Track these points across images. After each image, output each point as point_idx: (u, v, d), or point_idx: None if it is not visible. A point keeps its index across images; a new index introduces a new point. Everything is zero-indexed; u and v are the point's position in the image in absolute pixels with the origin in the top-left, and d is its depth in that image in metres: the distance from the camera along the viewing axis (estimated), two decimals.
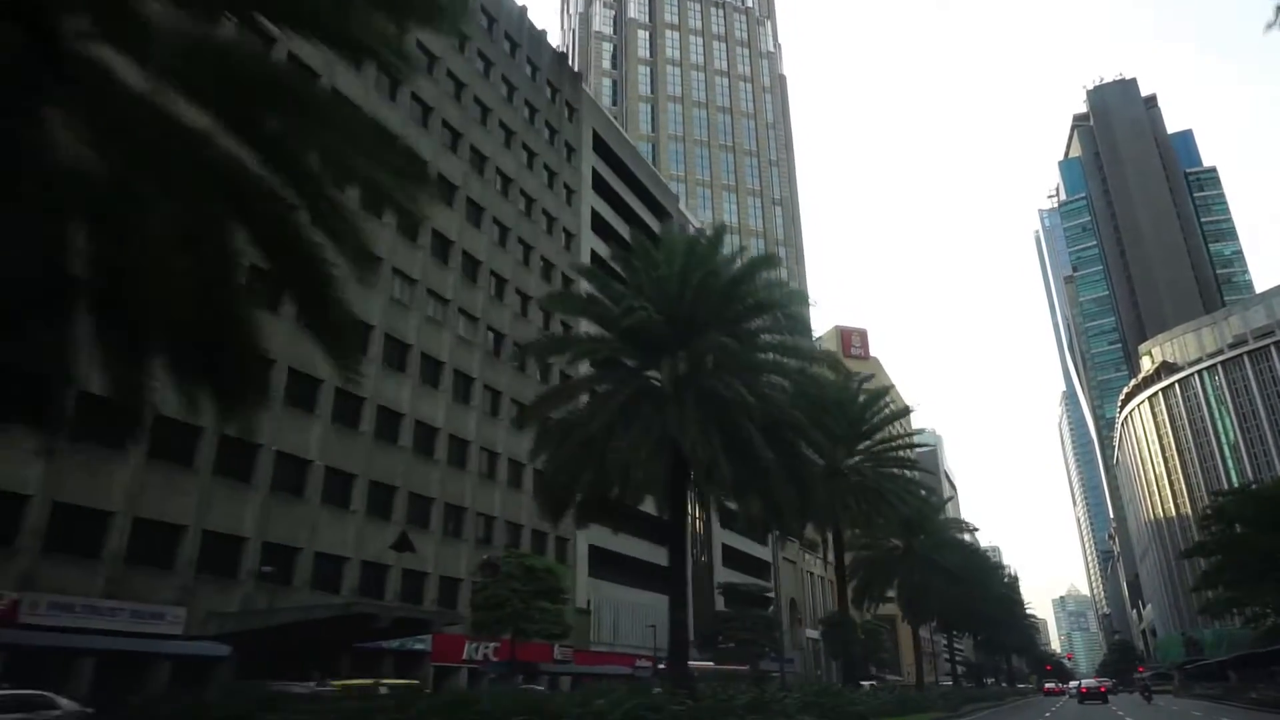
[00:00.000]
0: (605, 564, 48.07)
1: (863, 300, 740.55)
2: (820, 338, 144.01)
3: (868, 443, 39.30)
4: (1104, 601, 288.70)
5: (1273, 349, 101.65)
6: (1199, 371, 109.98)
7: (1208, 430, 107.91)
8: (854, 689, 31.13)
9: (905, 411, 46.99)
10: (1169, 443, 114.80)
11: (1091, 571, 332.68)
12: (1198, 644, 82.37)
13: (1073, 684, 73.27)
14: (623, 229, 58.76)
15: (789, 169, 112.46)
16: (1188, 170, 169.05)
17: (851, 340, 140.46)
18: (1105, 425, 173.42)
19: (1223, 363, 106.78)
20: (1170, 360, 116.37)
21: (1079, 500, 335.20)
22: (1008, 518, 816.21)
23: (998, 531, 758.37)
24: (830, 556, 44.94)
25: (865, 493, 36.64)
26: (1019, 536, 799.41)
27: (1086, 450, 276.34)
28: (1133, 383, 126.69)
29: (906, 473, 44.04)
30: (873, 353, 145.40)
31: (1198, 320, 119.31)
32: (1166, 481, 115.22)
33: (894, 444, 42.40)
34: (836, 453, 35.16)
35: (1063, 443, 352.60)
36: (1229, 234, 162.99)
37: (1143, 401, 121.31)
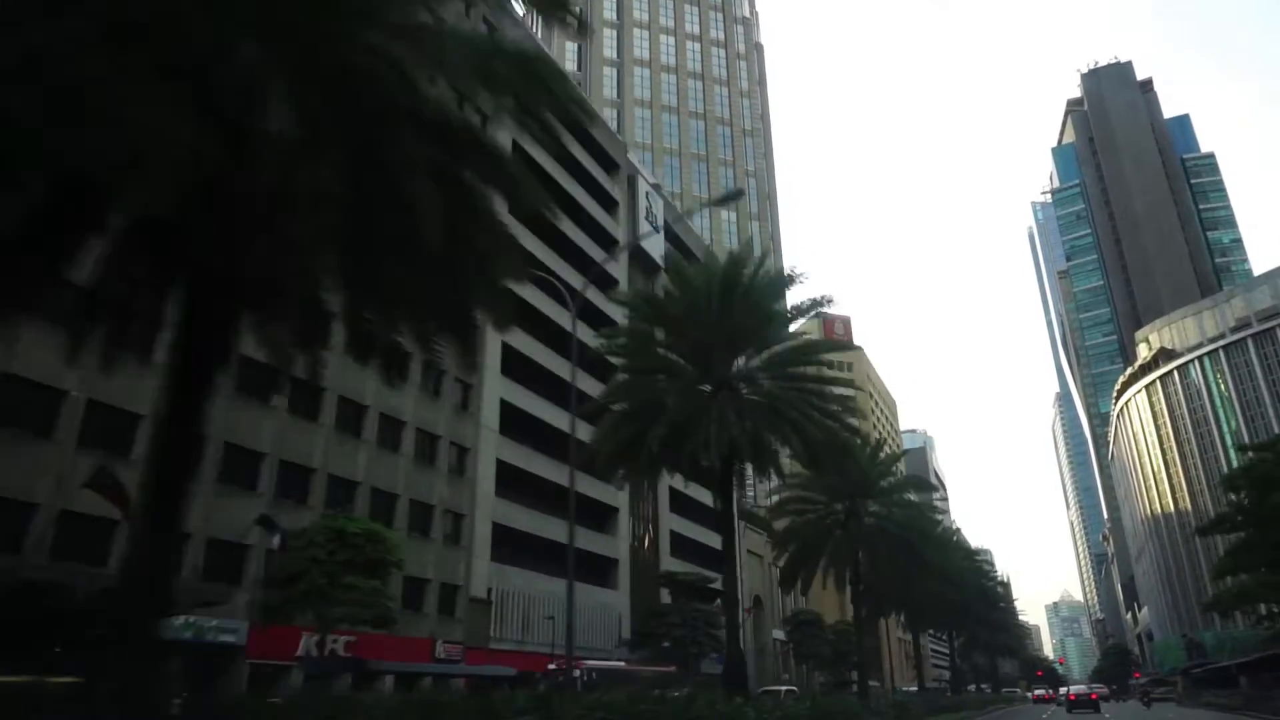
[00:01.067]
0: (515, 548, 41.02)
1: (853, 301, 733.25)
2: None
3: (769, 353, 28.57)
4: (1097, 607, 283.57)
5: (1279, 331, 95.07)
6: (1199, 357, 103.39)
7: (1208, 419, 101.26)
8: (740, 696, 23.96)
9: (820, 302, 32.57)
10: (1167, 433, 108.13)
11: (1085, 577, 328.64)
12: (1201, 647, 75.58)
13: (1063, 690, 66.52)
14: (567, 181, 52.04)
15: (764, 141, 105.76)
16: (1185, 156, 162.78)
17: (834, 327, 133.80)
18: (1099, 422, 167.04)
19: (1225, 347, 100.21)
20: (1169, 346, 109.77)
21: (1072, 504, 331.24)
22: (1001, 525, 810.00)
23: (991, 538, 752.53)
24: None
25: (757, 409, 25.66)
26: (1012, 543, 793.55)
27: (1080, 451, 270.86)
28: (1129, 371, 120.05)
29: (827, 388, 35.54)
30: (857, 341, 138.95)
31: (1197, 304, 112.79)
32: (1164, 475, 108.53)
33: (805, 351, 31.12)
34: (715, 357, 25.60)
35: (1056, 446, 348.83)
36: (1227, 222, 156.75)
37: (1139, 391, 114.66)
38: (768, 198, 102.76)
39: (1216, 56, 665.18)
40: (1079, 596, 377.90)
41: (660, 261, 61.13)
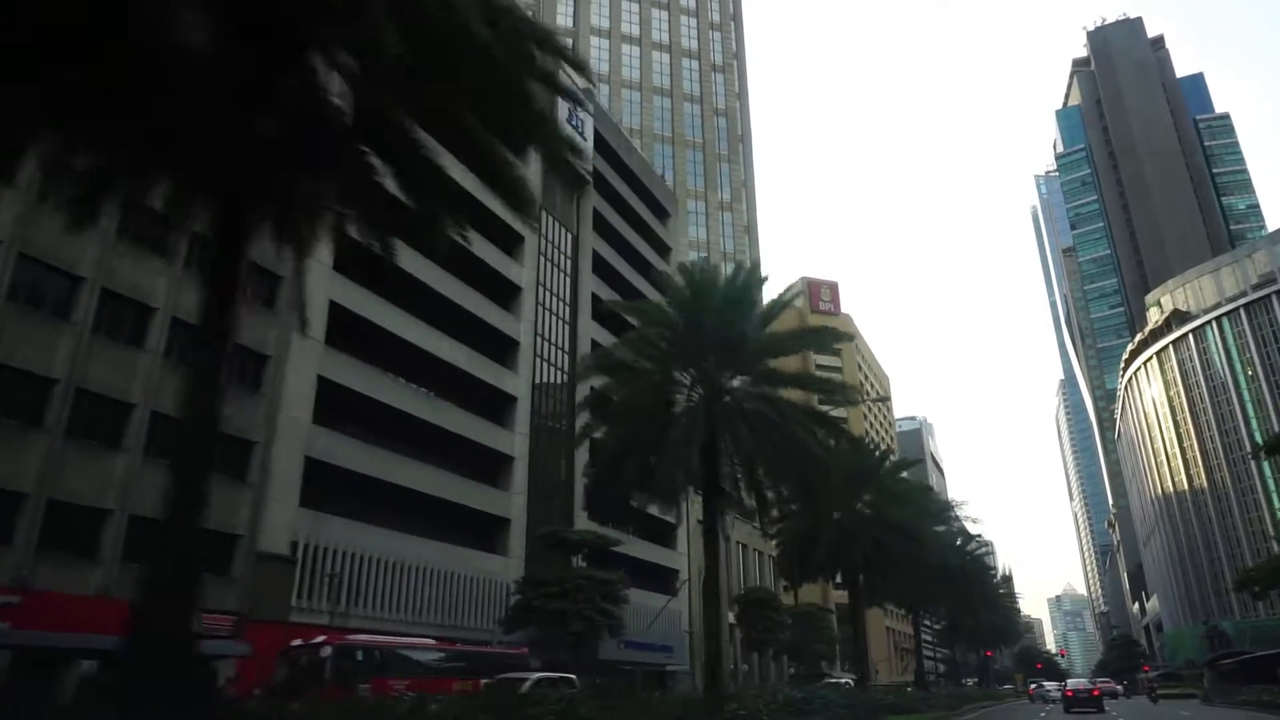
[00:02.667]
0: (350, 493, 31.49)
1: (856, 294, 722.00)
2: (786, 291, 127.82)
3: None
4: (1101, 599, 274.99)
5: None
6: (1217, 318, 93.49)
7: (1226, 386, 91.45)
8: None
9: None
10: (1180, 404, 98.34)
11: (1089, 569, 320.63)
12: (1225, 636, 65.88)
13: (1043, 685, 56.43)
14: None
15: (738, 79, 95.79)
16: (1198, 117, 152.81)
17: (820, 294, 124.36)
18: (1105, 401, 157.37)
19: (1246, 306, 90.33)
20: (1183, 308, 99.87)
21: (1076, 494, 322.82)
22: (1003, 518, 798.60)
23: (993, 531, 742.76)
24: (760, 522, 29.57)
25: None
26: (1015, 537, 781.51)
27: (1084, 436, 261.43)
28: (1138, 338, 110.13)
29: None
30: (847, 312, 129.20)
31: (1214, 260, 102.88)
32: (1177, 449, 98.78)
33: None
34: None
35: (1060, 436, 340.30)
36: (1243, 186, 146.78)
37: (1149, 359, 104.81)
38: (740, 139, 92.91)
39: (1232, 10, 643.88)
40: (1082, 590, 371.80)
41: (588, 176, 51.58)
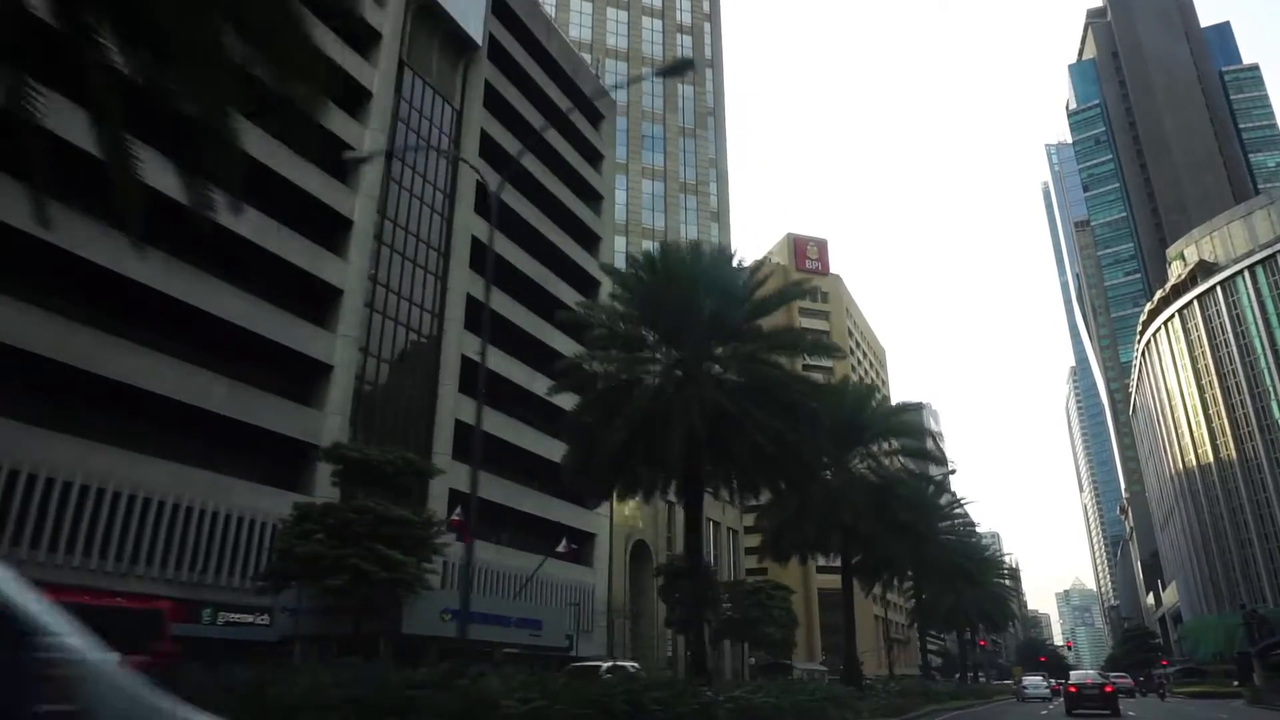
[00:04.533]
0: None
1: (861, 283, 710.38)
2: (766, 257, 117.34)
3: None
4: (1111, 593, 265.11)
5: None
6: (1250, 267, 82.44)
7: (1261, 343, 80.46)
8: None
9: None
10: (1205, 366, 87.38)
11: (1098, 561, 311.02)
12: (1267, 623, 55.01)
13: (1027, 681, 44.96)
14: None
15: (711, 38, 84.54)
16: (1224, 69, 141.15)
17: (806, 251, 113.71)
18: (1118, 377, 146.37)
19: None
20: (1209, 259, 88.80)
21: (1086, 485, 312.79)
22: (1011, 512, 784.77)
23: (1001, 525, 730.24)
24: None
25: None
26: (1023, 531, 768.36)
27: (1096, 423, 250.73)
28: (1158, 295, 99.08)
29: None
30: (834, 269, 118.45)
31: (1246, 204, 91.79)
32: (1201, 418, 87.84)
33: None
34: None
35: (1070, 425, 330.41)
36: (1273, 142, 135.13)
37: (1171, 318, 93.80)
38: (709, 64, 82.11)
39: None
40: (1091, 584, 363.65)
41: (477, 40, 41.12)
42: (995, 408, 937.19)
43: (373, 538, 21.72)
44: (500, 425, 37.46)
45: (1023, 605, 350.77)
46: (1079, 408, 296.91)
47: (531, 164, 44.30)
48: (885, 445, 28.96)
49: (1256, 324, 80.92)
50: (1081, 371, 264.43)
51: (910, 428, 28.41)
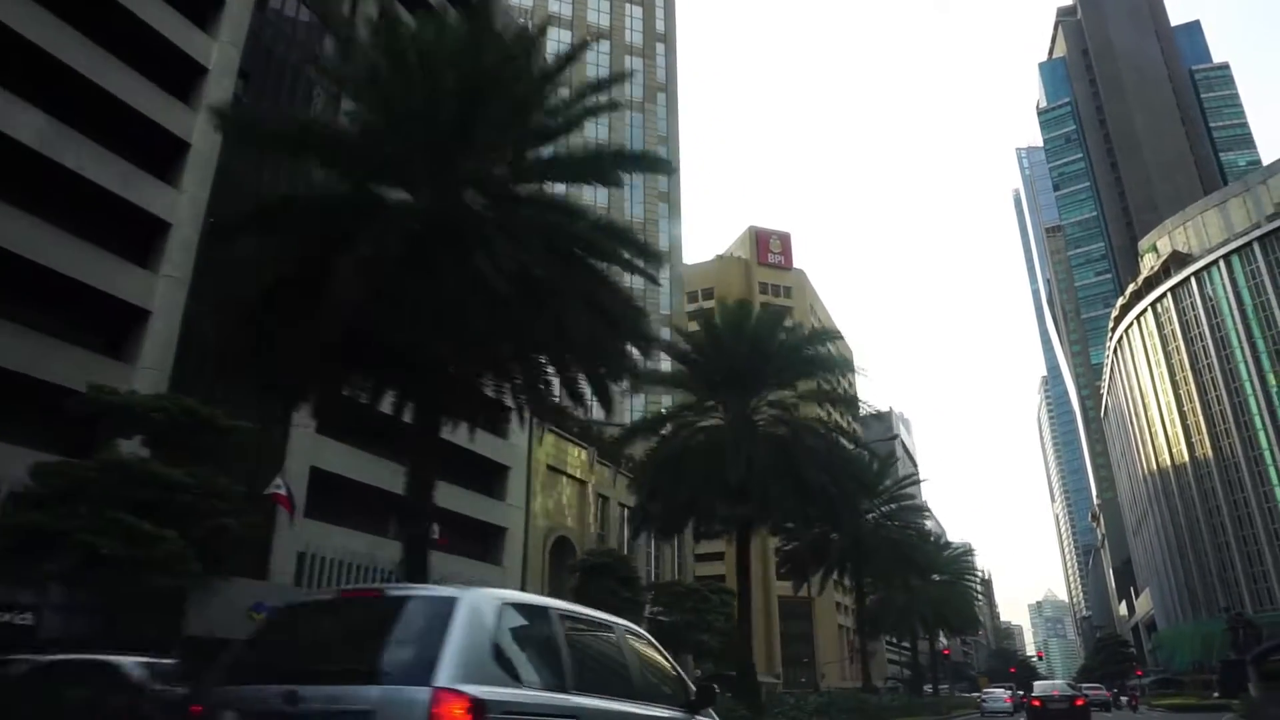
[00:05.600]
0: None
1: (834, 292, 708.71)
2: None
3: None
4: (1083, 603, 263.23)
5: None
6: (1225, 256, 78.89)
7: (1237, 336, 76.78)
8: None
9: None
10: (1179, 361, 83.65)
11: (1070, 573, 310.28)
12: (1254, 627, 50.33)
13: (990, 695, 39.62)
14: None
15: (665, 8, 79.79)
16: (1194, 68, 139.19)
17: (769, 244, 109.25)
18: (1090, 380, 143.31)
19: (1261, 238, 75.73)
20: (1182, 250, 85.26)
21: (1058, 495, 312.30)
22: (985, 524, 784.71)
23: (975, 536, 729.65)
24: None
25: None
26: (997, 544, 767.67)
27: (1067, 430, 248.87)
28: (1130, 289, 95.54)
29: None
30: (797, 264, 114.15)
31: (1221, 192, 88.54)
32: (1175, 415, 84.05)
33: None
34: None
35: (1041, 436, 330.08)
36: (1243, 141, 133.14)
37: (1144, 312, 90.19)
38: (661, 38, 77.39)
39: None
40: (1063, 596, 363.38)
41: None
42: (968, 421, 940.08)
43: (117, 503, 16.32)
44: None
45: (995, 616, 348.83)
46: (1050, 417, 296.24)
47: None
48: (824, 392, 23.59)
49: (1232, 315, 77.31)
50: (1053, 380, 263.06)
51: (829, 362, 23.35)
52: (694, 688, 6.13)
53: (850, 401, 20.37)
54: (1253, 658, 35.69)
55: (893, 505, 32.47)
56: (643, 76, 73.36)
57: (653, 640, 6.27)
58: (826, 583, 33.73)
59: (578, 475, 47.11)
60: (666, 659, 6.25)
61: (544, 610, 4.99)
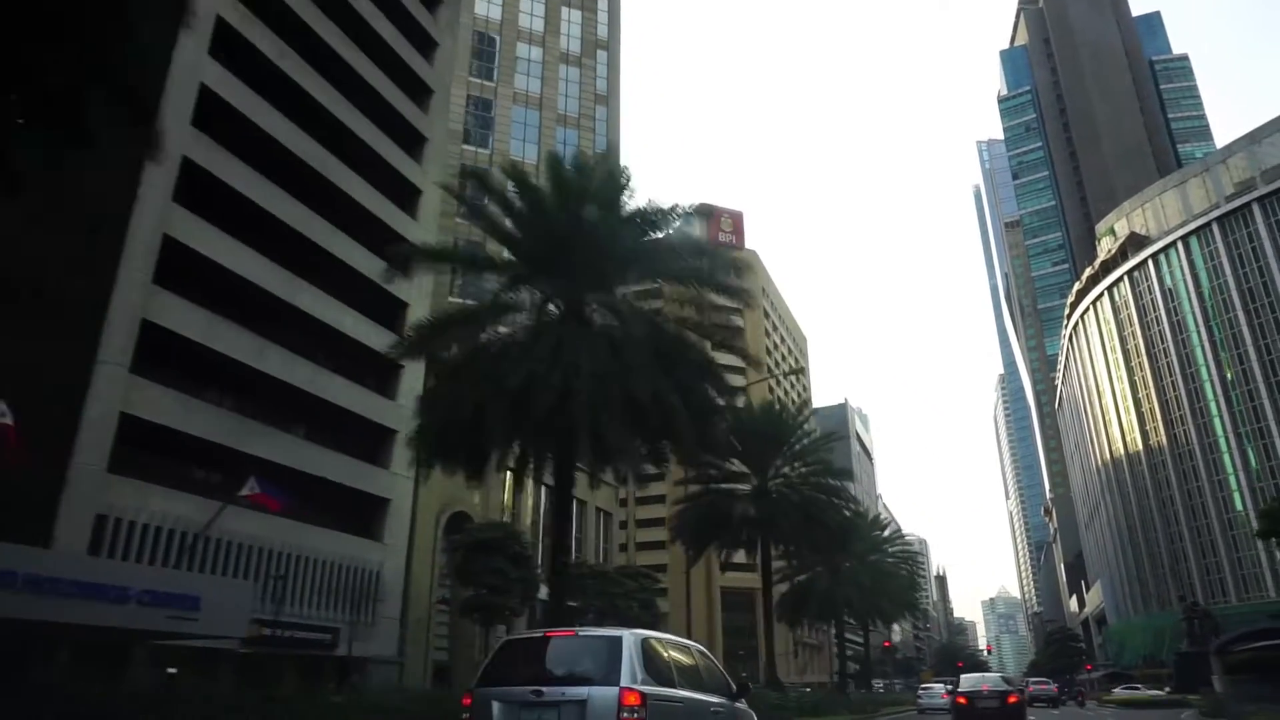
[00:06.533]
0: None
1: (797, 290, 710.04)
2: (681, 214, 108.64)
3: None
4: (1035, 599, 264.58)
5: None
6: (1184, 238, 76.34)
7: (1194, 319, 74.29)
8: None
9: None
10: (1135, 346, 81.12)
11: (1023, 569, 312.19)
12: (1214, 620, 46.93)
13: (930, 686, 35.90)
14: None
15: None
16: (1154, 58, 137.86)
17: (720, 223, 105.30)
18: (1046, 373, 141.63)
19: (1220, 219, 73.22)
20: (1141, 232, 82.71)
21: (1012, 492, 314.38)
22: (942, 522, 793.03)
23: (931, 534, 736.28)
24: None
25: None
26: (953, 542, 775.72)
27: (1023, 425, 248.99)
28: (1086, 273, 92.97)
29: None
30: (748, 242, 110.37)
31: (1180, 172, 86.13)
32: (1130, 402, 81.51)
33: None
34: None
35: (998, 432, 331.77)
36: (1201, 134, 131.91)
37: (1099, 297, 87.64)
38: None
39: None
40: (1016, 592, 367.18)
41: None
42: (928, 422, 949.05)
43: None
44: (241, 345, 27.46)
45: (949, 612, 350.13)
46: (1007, 414, 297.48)
47: (324, 27, 34.21)
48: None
49: (1190, 298, 74.78)
50: (1010, 376, 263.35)
51: (686, 246, 17.75)
52: (734, 684, 9.59)
53: (735, 292, 14.96)
54: (1216, 649, 32.16)
55: (808, 466, 27.80)
56: (581, 28, 68.60)
57: (708, 653, 9.75)
58: (725, 554, 29.19)
59: None
60: (716, 664, 9.79)
61: (659, 639, 8.44)
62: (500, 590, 30.30)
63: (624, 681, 6.87)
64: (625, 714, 6.67)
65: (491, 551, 31.15)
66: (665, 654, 8.03)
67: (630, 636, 7.47)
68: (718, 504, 26.02)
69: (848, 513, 27.80)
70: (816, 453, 27.59)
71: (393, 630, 34.77)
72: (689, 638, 28.05)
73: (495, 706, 7.15)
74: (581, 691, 6.90)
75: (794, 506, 25.96)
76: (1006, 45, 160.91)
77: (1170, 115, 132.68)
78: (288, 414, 30.89)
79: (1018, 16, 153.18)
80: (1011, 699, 18.40)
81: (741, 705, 9.30)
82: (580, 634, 8.26)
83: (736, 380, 32.97)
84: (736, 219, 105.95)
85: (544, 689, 7.07)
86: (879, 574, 37.54)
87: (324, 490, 31.58)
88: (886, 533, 49.71)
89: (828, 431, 44.58)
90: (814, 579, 36.92)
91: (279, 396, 29.85)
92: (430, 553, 38.63)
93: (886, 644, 64.63)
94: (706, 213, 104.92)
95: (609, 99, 68.77)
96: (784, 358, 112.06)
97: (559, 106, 64.15)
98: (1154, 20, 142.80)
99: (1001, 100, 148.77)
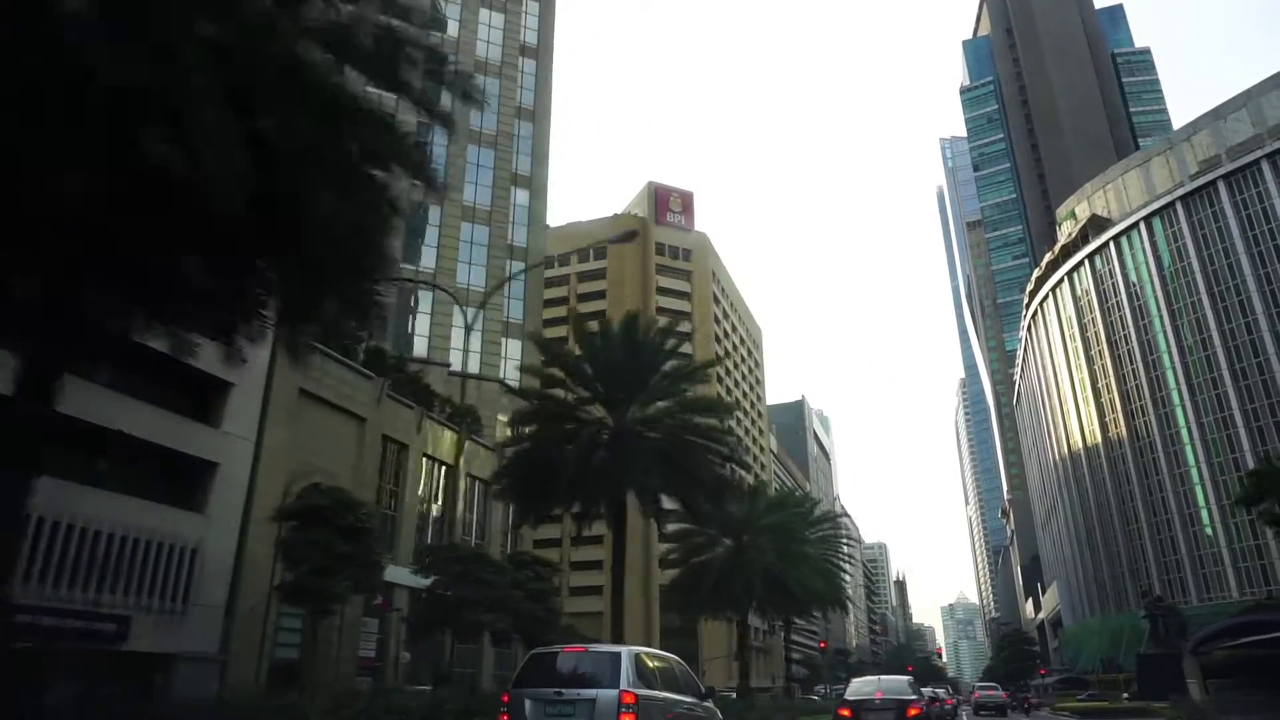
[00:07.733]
0: None
1: (758, 294, 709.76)
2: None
3: None
4: (992, 604, 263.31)
5: (1265, 168, 64.62)
6: (1146, 218, 72.61)
7: (1156, 304, 70.50)
8: None
9: None
10: (1095, 334, 77.28)
11: (981, 574, 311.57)
12: (1180, 619, 42.31)
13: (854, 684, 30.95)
14: None
15: None
16: (1116, 51, 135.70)
17: (669, 203, 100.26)
18: (1005, 371, 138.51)
19: (1183, 198, 69.53)
20: (1103, 214, 78.97)
21: (972, 496, 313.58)
22: (902, 528, 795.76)
23: (891, 539, 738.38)
24: None
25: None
26: (913, 548, 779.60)
27: (983, 428, 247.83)
28: (1047, 258, 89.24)
29: None
30: (699, 226, 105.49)
31: (1143, 152, 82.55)
32: (1089, 393, 77.64)
33: None
34: None
35: (958, 439, 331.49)
36: (1163, 128, 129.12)
37: (1059, 283, 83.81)
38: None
39: None
40: (975, 598, 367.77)
41: None
42: (890, 429, 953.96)
43: None
44: None
45: (908, 618, 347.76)
46: (967, 419, 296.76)
47: None
48: None
49: (1152, 283, 70.98)
50: (970, 379, 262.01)
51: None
52: (703, 687, 12.47)
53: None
54: (1192, 647, 26.99)
55: (673, 400, 21.94)
56: (502, 33, 61.90)
57: (684, 663, 12.58)
58: (558, 509, 23.46)
59: (354, 410, 36.44)
60: (690, 672, 12.62)
61: (646, 653, 11.31)
62: (325, 571, 24.63)
63: (622, 685, 9.67)
64: (623, 709, 9.34)
65: (323, 524, 25.41)
66: (651, 664, 11.00)
67: (626, 652, 10.40)
68: (562, 451, 20.58)
69: (726, 469, 22.38)
70: (688, 385, 22.18)
71: (215, 621, 28.69)
72: (624, 637, 26.26)
73: (527, 704, 9.91)
74: (591, 692, 9.73)
75: (652, 451, 20.43)
76: (970, 36, 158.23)
77: (1132, 108, 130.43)
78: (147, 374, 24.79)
79: (981, 6, 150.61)
80: (912, 711, 13.38)
81: (708, 704, 12.24)
82: (590, 649, 11.59)
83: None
84: (686, 199, 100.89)
85: (563, 690, 10.01)
86: (795, 558, 32.26)
87: (122, 445, 25.52)
88: (816, 512, 44.38)
89: (785, 425, 39.44)
90: (711, 560, 31.76)
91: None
92: (276, 531, 32.71)
93: (823, 644, 59.89)
94: (652, 191, 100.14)
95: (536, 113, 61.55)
96: (735, 347, 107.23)
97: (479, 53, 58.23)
98: (1117, 13, 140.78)
99: (964, 91, 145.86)
